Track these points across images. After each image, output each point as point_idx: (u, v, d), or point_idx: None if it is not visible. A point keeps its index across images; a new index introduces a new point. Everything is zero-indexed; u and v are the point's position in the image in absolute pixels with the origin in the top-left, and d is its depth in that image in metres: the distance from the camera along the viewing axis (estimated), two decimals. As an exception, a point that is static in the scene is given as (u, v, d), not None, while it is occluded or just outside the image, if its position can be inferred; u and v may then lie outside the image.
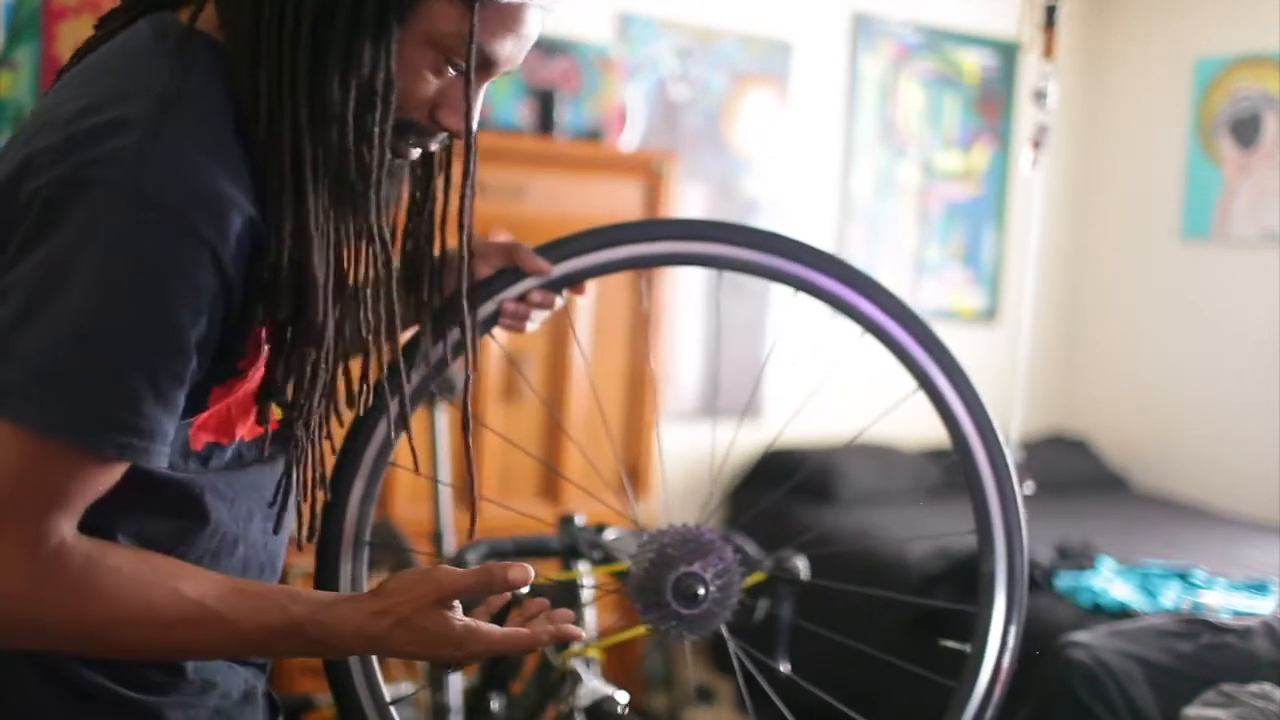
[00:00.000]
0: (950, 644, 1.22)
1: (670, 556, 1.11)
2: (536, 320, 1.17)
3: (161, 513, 0.93)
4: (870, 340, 1.17)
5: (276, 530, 1.02)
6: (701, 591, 1.10)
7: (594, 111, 3.18)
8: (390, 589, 0.93)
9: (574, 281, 1.15)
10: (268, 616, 0.90)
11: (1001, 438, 1.16)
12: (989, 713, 1.16)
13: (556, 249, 1.15)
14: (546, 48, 3.10)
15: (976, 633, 1.16)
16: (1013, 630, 1.16)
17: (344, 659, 1.09)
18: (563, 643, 1.29)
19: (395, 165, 1.00)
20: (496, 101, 3.03)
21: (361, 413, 1.08)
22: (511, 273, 1.14)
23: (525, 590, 0.95)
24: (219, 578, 0.92)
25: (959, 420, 1.16)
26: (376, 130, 0.89)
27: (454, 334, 1.09)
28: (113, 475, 0.85)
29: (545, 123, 3.06)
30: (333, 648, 0.94)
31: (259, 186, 0.87)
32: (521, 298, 1.14)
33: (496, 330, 1.15)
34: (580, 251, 1.14)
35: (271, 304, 0.89)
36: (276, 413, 0.97)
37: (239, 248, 0.85)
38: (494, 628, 0.94)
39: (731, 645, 1.20)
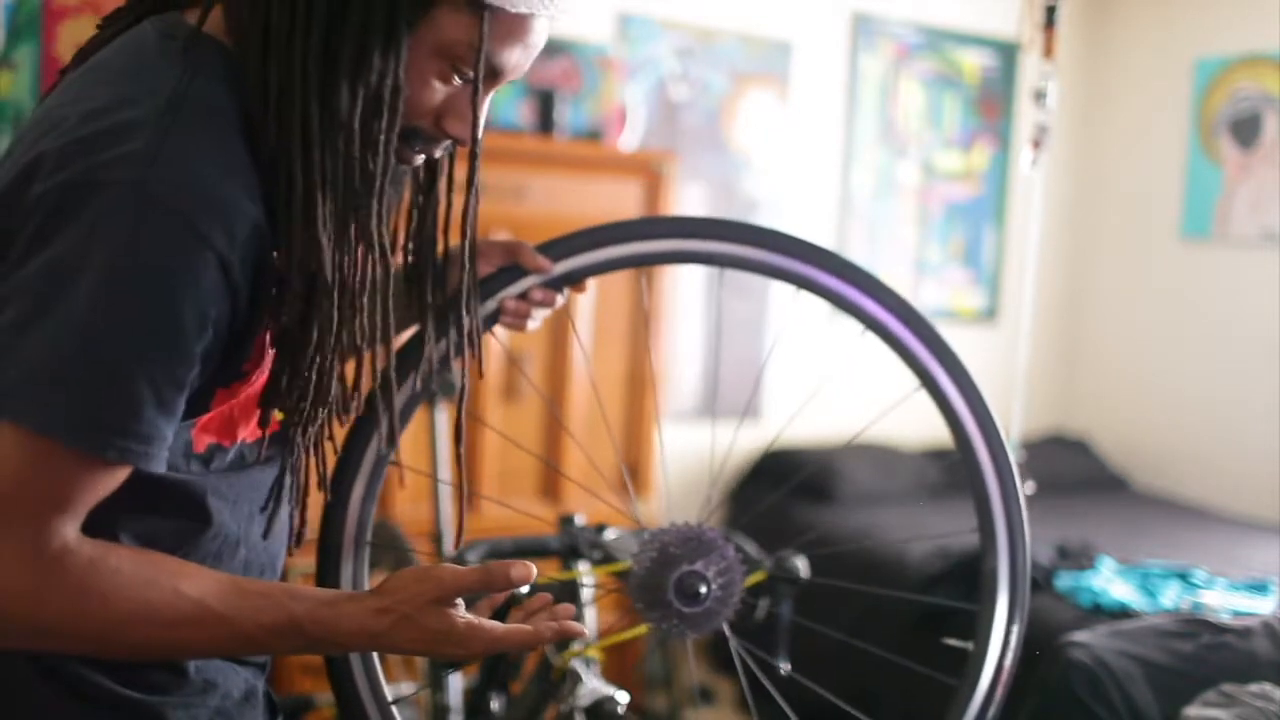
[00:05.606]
0: (953, 642, 1.21)
1: (672, 555, 1.11)
2: (537, 318, 1.17)
3: (164, 514, 0.93)
4: (872, 338, 1.17)
5: (266, 534, 1.02)
6: (703, 590, 1.10)
7: (594, 111, 3.18)
8: (392, 587, 0.93)
9: (575, 279, 1.16)
10: (269, 615, 0.90)
11: (1004, 436, 1.16)
12: (991, 712, 1.15)
13: (558, 247, 1.15)
14: (546, 48, 3.09)
15: (979, 631, 1.16)
16: (1015, 629, 1.16)
17: (345, 657, 1.09)
18: (563, 642, 1.29)
19: (398, 171, 1.00)
20: (496, 101, 3.03)
21: (363, 413, 1.08)
22: (512, 270, 1.14)
23: (526, 589, 0.95)
24: (220, 576, 0.91)
25: (961, 418, 1.16)
26: (382, 138, 0.89)
27: (455, 333, 1.09)
28: (114, 479, 0.85)
29: (545, 123, 3.06)
30: (334, 645, 0.94)
31: (266, 192, 0.87)
32: (522, 296, 1.15)
33: (498, 329, 1.15)
34: (581, 249, 1.15)
35: (279, 310, 0.89)
36: (277, 415, 0.97)
37: (246, 253, 0.85)
38: (496, 624, 0.94)
39: (733, 644, 1.19)
